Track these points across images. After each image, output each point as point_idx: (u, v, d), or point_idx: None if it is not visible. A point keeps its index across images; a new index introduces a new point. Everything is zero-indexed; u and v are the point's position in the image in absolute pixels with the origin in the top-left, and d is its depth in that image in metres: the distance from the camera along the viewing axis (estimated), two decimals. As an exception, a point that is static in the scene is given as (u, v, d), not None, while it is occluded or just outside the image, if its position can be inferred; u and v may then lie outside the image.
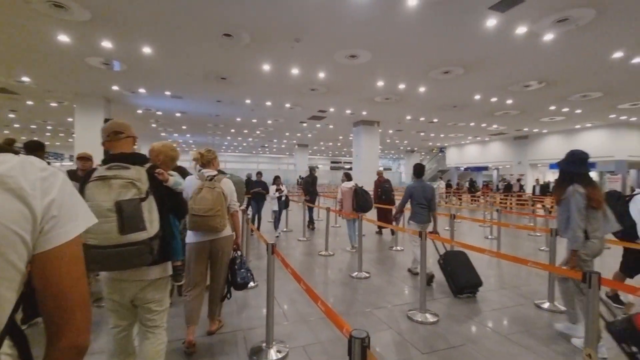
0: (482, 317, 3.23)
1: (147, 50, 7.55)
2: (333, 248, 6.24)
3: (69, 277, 0.63)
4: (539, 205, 12.09)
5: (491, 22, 6.32)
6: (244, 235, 4.54)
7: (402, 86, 10.62)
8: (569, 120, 16.26)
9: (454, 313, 3.32)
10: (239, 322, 3.11)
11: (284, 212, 7.90)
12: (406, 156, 34.99)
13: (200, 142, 26.81)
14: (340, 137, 23.39)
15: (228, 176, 2.97)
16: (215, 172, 2.85)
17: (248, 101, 12.70)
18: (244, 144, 28.87)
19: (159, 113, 14.86)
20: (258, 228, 7.08)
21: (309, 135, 22.35)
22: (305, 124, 17.78)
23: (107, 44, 7.14)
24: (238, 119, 16.57)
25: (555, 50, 7.59)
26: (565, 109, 13.81)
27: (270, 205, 7.76)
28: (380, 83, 10.31)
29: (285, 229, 8.27)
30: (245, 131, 20.82)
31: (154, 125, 18.06)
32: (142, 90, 11.12)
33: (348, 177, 6.56)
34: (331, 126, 18.39)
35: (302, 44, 7.33)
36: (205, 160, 2.88)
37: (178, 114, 15.13)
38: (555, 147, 19.85)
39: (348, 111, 14.44)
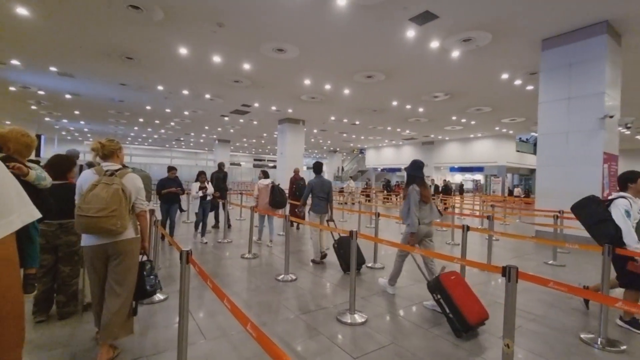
0: (405, 313, 3.34)
1: (21, 11, 6.02)
2: (257, 249, 5.90)
3: None
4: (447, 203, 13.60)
5: (410, 33, 6.77)
6: (151, 240, 3.89)
7: (328, 86, 10.77)
8: (466, 130, 18.86)
9: (381, 311, 3.36)
10: (142, 346, 2.59)
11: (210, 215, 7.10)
12: (329, 156, 36.14)
13: (99, 131, 23.10)
14: (265, 134, 22.82)
15: (130, 170, 2.47)
16: (118, 166, 2.43)
17: (160, 87, 11.33)
18: (155, 136, 25.91)
19: (41, 93, 12.21)
20: (171, 234, 6.21)
21: (231, 131, 21.22)
22: (227, 118, 16.77)
23: (-43, -6, 5.45)
24: (148, 107, 14.71)
25: (460, 66, 8.58)
26: (464, 120, 15.93)
27: (192, 207, 6.84)
28: (307, 81, 10.26)
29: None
30: (157, 122, 18.66)
31: (34, 107, 14.80)
32: (15, 62, 8.94)
33: (265, 175, 6.76)
34: (255, 122, 17.75)
35: (225, 29, 6.77)
36: (107, 151, 2.44)
37: (68, 96, 12.66)
38: (454, 153, 22.84)
39: (273, 107, 14.09)
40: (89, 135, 25.72)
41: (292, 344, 2.65)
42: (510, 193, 21.52)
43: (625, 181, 3.17)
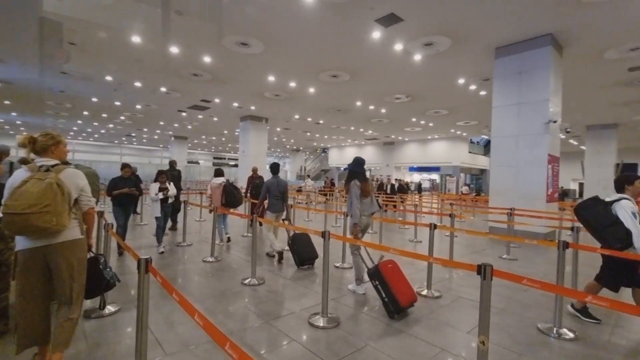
0: (376, 313, 3.32)
1: None
2: (219, 252, 5.61)
3: None
4: (408, 203, 14.04)
5: (376, 34, 6.85)
6: (103, 247, 3.49)
7: (292, 84, 10.60)
8: (424, 132, 19.71)
9: (353, 312, 3.31)
10: (92, 367, 2.28)
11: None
12: (292, 155, 35.89)
13: (35, 124, 20.71)
14: (226, 132, 22.03)
15: (72, 166, 2.18)
16: (55, 162, 2.16)
17: (109, 78, 10.40)
18: (102, 131, 23.87)
19: (-38, 78, 10.61)
20: (122, 239, 5.54)
21: (189, 127, 20.18)
22: (184, 114, 15.89)
23: None
24: (94, 99, 13.45)
25: (421, 69, 8.88)
26: (423, 122, 16.61)
27: (151, 211, 6.07)
28: (271, 78, 10.01)
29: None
30: (105, 115, 17.18)
31: (-48, 94, 12.84)
32: None
33: (218, 173, 6.57)
34: (215, 118, 17.03)
35: (184, 18, 6.34)
36: (39, 147, 2.15)
37: (-4, 83, 11.14)
38: (413, 154, 23.79)
39: (235, 104, 13.60)
40: (22, 128, 22.95)
41: (264, 354, 2.49)
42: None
43: (623, 183, 3.10)
